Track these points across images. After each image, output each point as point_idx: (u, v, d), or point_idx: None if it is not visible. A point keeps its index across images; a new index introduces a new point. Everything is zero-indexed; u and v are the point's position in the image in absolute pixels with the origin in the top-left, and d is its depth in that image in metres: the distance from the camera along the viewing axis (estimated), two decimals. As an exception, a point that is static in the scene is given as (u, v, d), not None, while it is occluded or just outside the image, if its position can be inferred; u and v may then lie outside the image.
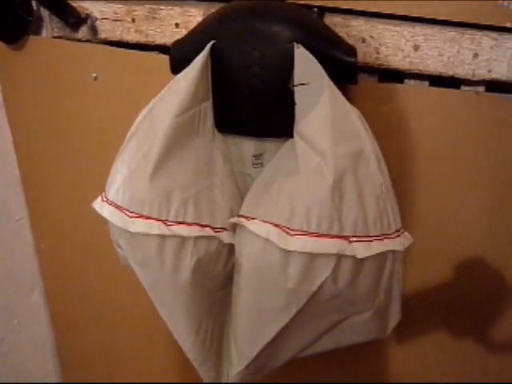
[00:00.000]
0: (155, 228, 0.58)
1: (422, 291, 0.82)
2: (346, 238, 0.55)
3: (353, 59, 0.59)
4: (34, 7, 0.76)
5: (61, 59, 0.78)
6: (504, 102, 0.65)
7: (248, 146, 0.67)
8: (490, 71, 0.62)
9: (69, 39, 0.76)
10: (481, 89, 0.66)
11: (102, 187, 0.84)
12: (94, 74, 0.77)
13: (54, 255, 0.98)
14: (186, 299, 0.63)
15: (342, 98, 0.58)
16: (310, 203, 0.54)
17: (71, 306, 1.03)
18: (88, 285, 0.98)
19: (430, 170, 0.72)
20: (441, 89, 0.67)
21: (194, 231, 0.59)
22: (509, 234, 0.74)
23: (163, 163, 0.59)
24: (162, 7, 0.70)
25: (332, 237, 0.54)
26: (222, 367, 0.70)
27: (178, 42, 0.64)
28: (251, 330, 0.62)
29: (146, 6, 0.71)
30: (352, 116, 0.58)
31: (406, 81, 0.68)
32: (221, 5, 0.66)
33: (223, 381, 0.70)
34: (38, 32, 0.78)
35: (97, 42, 0.76)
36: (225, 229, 0.62)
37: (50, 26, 0.76)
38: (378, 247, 0.57)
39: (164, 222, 0.58)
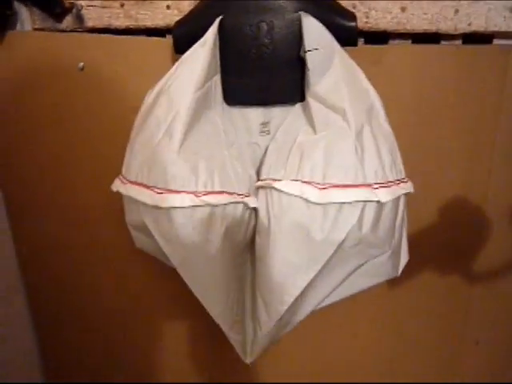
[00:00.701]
0: (187, 200, 0.60)
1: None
2: (369, 185, 0.60)
3: (353, 23, 0.64)
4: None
5: (44, 52, 0.77)
6: (481, 52, 0.72)
7: (255, 115, 0.70)
8: (469, 24, 0.69)
9: (52, 31, 0.75)
10: (459, 42, 0.72)
11: (91, 184, 0.85)
12: (81, 64, 0.77)
13: (36, 259, 0.96)
14: (216, 267, 0.66)
15: (350, 60, 0.63)
16: (337, 157, 0.59)
17: (56, 313, 1.01)
18: (74, 290, 0.97)
19: (415, 121, 0.78)
20: (423, 45, 0.73)
21: (224, 199, 0.62)
22: (484, 179, 0.82)
23: (187, 138, 0.61)
24: (154, -10, 0.71)
25: (358, 186, 0.60)
26: (246, 330, 0.74)
27: (180, 22, 0.66)
28: (281, 286, 0.66)
29: (137, -11, 0.71)
30: (360, 75, 0.63)
31: (391, 41, 0.73)
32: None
33: (249, 343, 0.73)
34: (15, 27, 0.76)
35: (83, 31, 0.75)
36: (247, 195, 0.65)
37: (31, 18, 0.75)
38: (396, 191, 0.62)
39: (194, 193, 0.61)
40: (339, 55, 0.62)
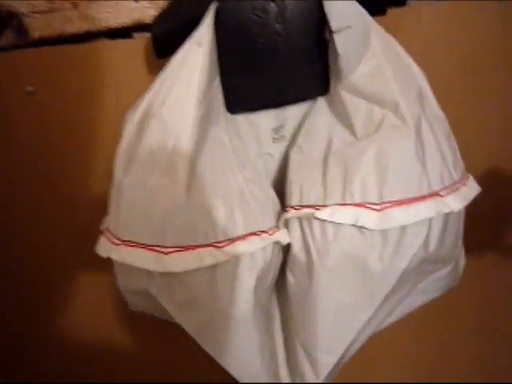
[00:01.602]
0: (207, 257, 0.46)
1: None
2: (437, 194, 0.47)
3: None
4: None
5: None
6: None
7: (266, 121, 0.56)
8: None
9: (-12, 51, 0.59)
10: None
11: (51, 230, 0.69)
12: (30, 88, 0.61)
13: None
14: (247, 327, 0.51)
15: (386, 34, 0.50)
16: (394, 166, 0.46)
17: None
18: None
19: (450, 93, 0.66)
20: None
21: (252, 244, 0.48)
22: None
23: (195, 173, 0.47)
24: (114, -20, 0.55)
25: (424, 198, 0.47)
26: None
27: (161, 17, 0.52)
28: (330, 334, 0.52)
29: (91, -17, 0.55)
30: (400, 51, 0.50)
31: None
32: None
33: None
34: None
35: (29, 46, 0.59)
36: (276, 229, 0.51)
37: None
38: (466, 194, 0.50)
39: (214, 245, 0.46)
40: (376, 31, 0.49)
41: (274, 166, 0.57)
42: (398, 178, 0.46)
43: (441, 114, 0.50)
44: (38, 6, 0.56)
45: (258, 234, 0.48)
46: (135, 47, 0.60)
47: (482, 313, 0.83)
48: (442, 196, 0.47)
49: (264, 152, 0.57)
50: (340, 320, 0.51)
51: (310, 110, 0.55)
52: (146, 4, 0.56)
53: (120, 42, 0.60)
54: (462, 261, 0.59)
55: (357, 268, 0.48)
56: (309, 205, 0.49)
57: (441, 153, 0.48)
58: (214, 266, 0.46)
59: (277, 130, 0.56)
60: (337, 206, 0.47)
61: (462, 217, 0.53)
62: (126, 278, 0.52)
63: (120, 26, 0.58)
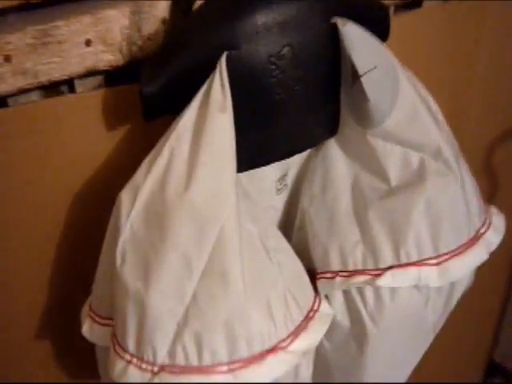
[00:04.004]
0: (281, 364, 0.39)
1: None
2: (480, 235, 0.47)
3: (387, 15, 0.46)
4: None
5: None
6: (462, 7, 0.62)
7: (270, 173, 0.49)
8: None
9: None
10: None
11: None
12: None
13: None
14: None
15: (406, 68, 0.46)
16: (447, 217, 0.44)
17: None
18: None
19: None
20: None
21: (311, 336, 0.42)
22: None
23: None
24: (60, 23, 0.43)
25: (473, 242, 0.46)
26: None
27: (150, 70, 0.41)
28: None
29: (29, 28, 0.42)
30: (421, 87, 0.47)
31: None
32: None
33: None
34: None
35: None
36: (318, 302, 0.45)
37: None
38: (501, 224, 0.50)
39: (280, 347, 0.40)
40: (402, 70, 0.45)
41: (277, 218, 0.51)
42: (450, 226, 0.44)
43: (456, 142, 0.49)
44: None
45: (309, 317, 0.43)
46: (83, 103, 0.48)
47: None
48: (484, 233, 0.47)
49: (267, 205, 0.50)
50: (389, 372, 0.50)
51: (314, 153, 0.50)
52: (101, 48, 0.45)
53: (60, 98, 0.47)
54: None
55: (411, 323, 0.46)
56: (356, 270, 0.44)
57: (475, 188, 0.47)
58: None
59: (280, 180, 0.50)
60: (396, 270, 0.43)
61: None
62: None
63: (67, 78, 0.46)
